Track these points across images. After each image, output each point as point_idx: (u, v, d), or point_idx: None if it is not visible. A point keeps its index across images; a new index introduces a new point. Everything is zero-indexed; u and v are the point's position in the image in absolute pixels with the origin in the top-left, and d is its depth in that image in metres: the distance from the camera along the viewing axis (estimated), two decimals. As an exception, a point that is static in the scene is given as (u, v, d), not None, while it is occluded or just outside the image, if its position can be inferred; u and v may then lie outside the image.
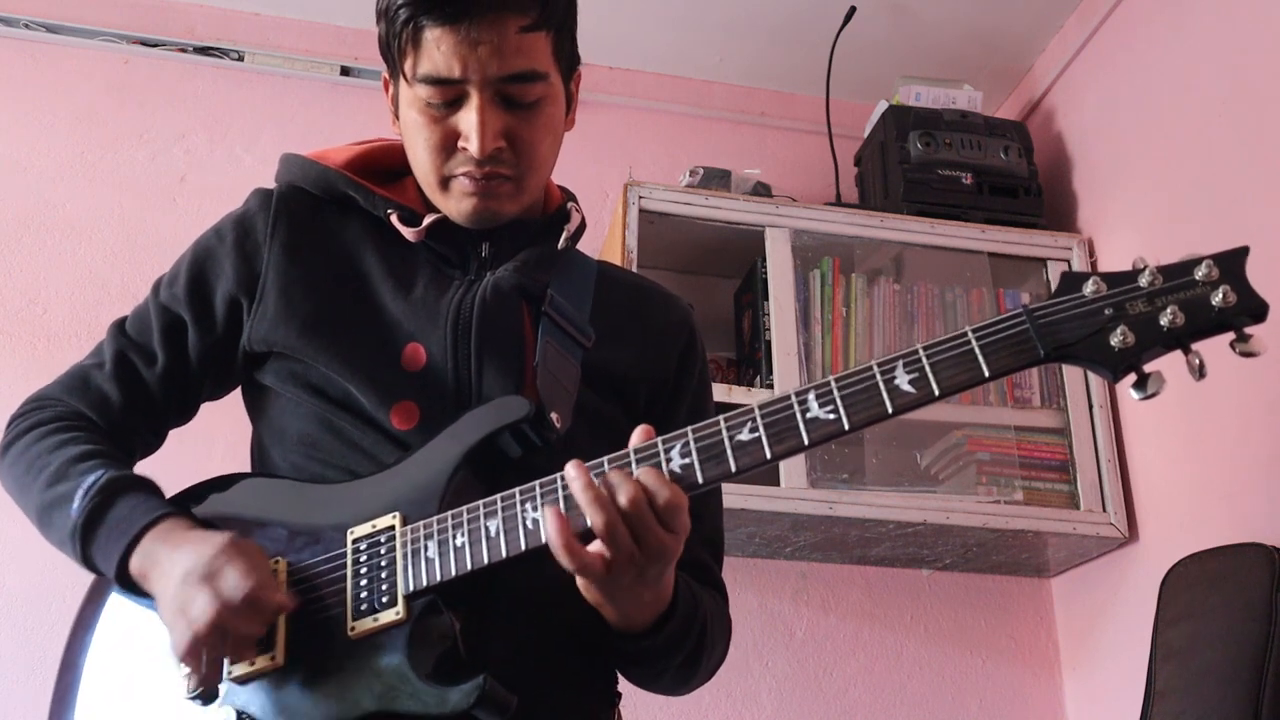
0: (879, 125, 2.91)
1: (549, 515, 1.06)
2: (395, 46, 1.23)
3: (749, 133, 3.22)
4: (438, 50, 1.20)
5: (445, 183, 1.27)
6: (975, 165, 2.82)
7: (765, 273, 2.66)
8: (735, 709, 2.61)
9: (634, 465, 1.08)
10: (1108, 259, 2.74)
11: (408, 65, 1.23)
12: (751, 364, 2.68)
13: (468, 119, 1.22)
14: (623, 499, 1.04)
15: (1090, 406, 2.65)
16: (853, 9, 2.90)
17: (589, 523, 1.05)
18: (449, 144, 1.25)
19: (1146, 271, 1.01)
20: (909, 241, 2.75)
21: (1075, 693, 2.73)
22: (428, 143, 1.25)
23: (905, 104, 2.92)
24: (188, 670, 1.12)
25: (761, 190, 2.79)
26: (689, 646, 1.22)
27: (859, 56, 3.04)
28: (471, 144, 1.22)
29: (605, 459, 1.10)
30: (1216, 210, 2.39)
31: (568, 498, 1.08)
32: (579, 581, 1.12)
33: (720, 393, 2.50)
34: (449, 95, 1.23)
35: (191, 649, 1.08)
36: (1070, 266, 2.76)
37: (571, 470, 1.07)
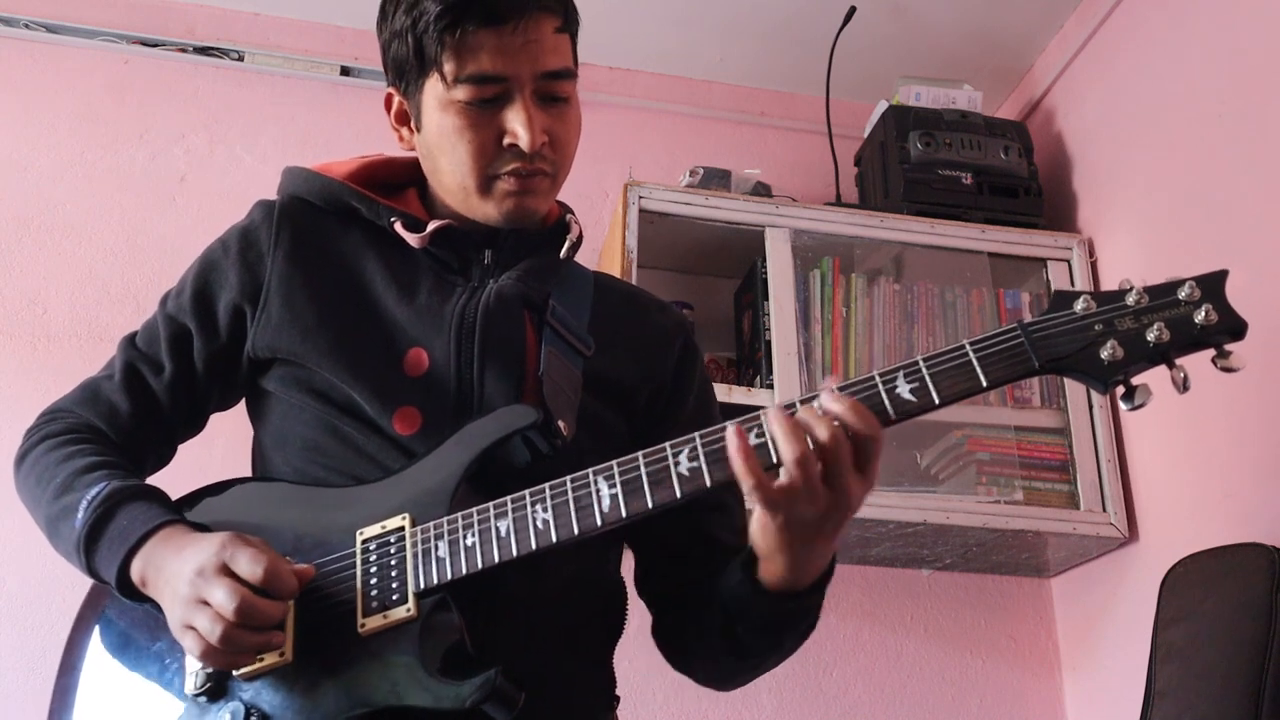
0: (879, 125, 2.91)
1: (733, 432, 1.06)
2: (431, 51, 1.25)
3: (749, 133, 3.22)
4: (482, 50, 1.23)
5: (488, 184, 1.29)
6: (975, 165, 2.82)
7: (765, 273, 2.66)
8: (735, 709, 2.62)
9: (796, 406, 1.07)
10: (1108, 259, 2.74)
11: (448, 68, 1.24)
12: (751, 364, 2.68)
13: (515, 116, 1.25)
14: (821, 432, 1.04)
15: (1090, 407, 2.65)
16: (853, 9, 2.90)
17: (781, 455, 1.04)
18: (492, 144, 1.27)
19: (1133, 291, 1.07)
20: (909, 241, 2.75)
21: (1075, 693, 2.73)
22: (471, 144, 1.27)
23: (905, 104, 2.92)
24: (209, 666, 1.12)
25: (761, 190, 2.79)
26: (818, 612, 1.22)
27: (859, 56, 3.05)
28: (522, 139, 1.25)
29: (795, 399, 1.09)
30: (1216, 210, 2.39)
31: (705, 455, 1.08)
32: (759, 526, 1.10)
33: (720, 393, 2.48)
34: (490, 94, 1.25)
35: (222, 639, 1.08)
36: (1070, 267, 2.76)
37: (770, 410, 1.07)
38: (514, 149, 1.26)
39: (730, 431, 1.06)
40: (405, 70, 1.30)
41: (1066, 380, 2.65)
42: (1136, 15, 2.73)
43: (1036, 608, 2.84)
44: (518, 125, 1.25)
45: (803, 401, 1.08)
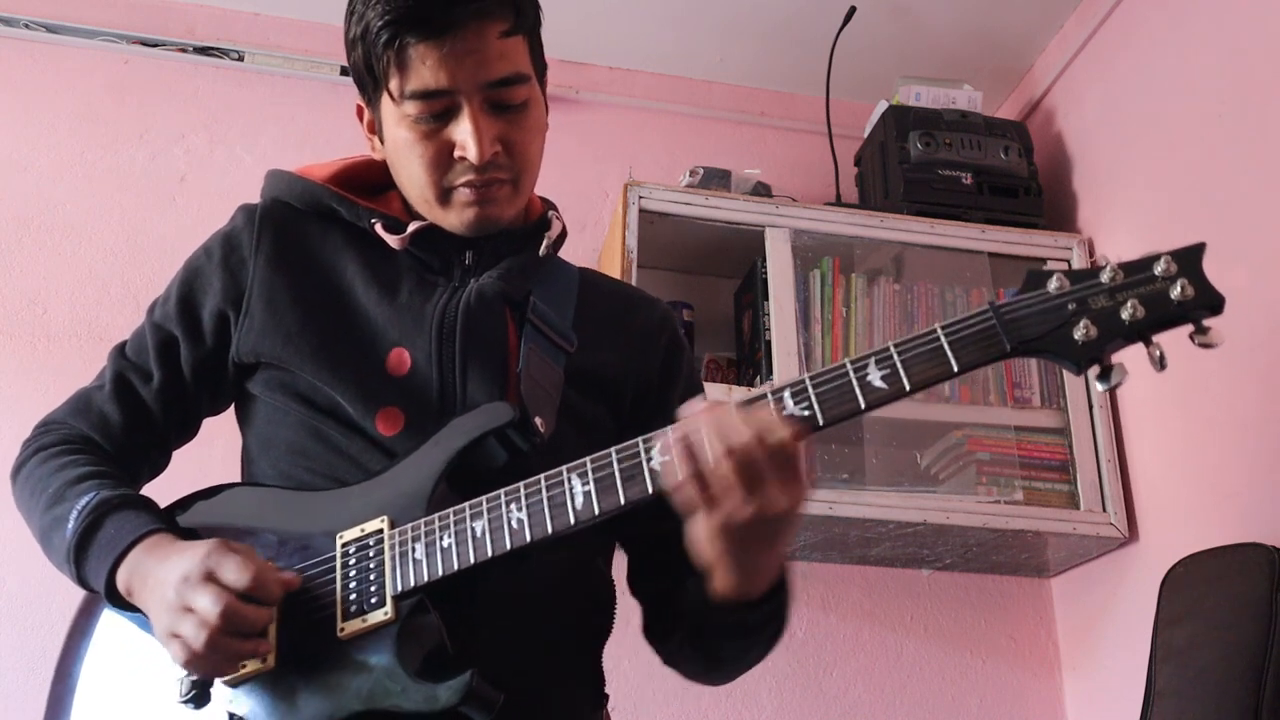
0: (879, 125, 2.91)
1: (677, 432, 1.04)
2: (379, 68, 1.24)
3: (749, 133, 3.22)
4: (424, 65, 1.22)
5: (446, 195, 1.28)
6: (975, 165, 2.82)
7: (765, 273, 2.66)
8: (735, 709, 2.62)
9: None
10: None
11: (394, 85, 1.24)
12: (751, 364, 2.68)
13: (462, 128, 1.24)
14: (736, 436, 1.02)
15: (1090, 406, 2.65)
16: (853, 9, 2.90)
17: (709, 449, 1.03)
18: (444, 157, 1.26)
19: (1108, 268, 1.04)
20: (909, 241, 2.75)
21: (1075, 693, 2.73)
22: (423, 158, 1.26)
23: (905, 104, 2.92)
24: (195, 674, 1.13)
25: (761, 190, 2.79)
26: (782, 618, 1.21)
27: (859, 56, 3.04)
28: (470, 151, 1.24)
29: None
30: (1216, 210, 2.38)
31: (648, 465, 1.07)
32: (694, 535, 1.08)
33: (721, 393, 2.50)
34: (439, 108, 1.24)
35: (207, 646, 1.08)
36: (1070, 266, 2.75)
37: (699, 409, 1.06)
38: (466, 161, 1.25)
39: (673, 428, 1.05)
40: (364, 83, 1.30)
41: (1067, 380, 2.67)
42: (1136, 15, 2.73)
43: (1036, 608, 2.84)
44: (465, 138, 1.24)
45: (746, 403, 1.06)
